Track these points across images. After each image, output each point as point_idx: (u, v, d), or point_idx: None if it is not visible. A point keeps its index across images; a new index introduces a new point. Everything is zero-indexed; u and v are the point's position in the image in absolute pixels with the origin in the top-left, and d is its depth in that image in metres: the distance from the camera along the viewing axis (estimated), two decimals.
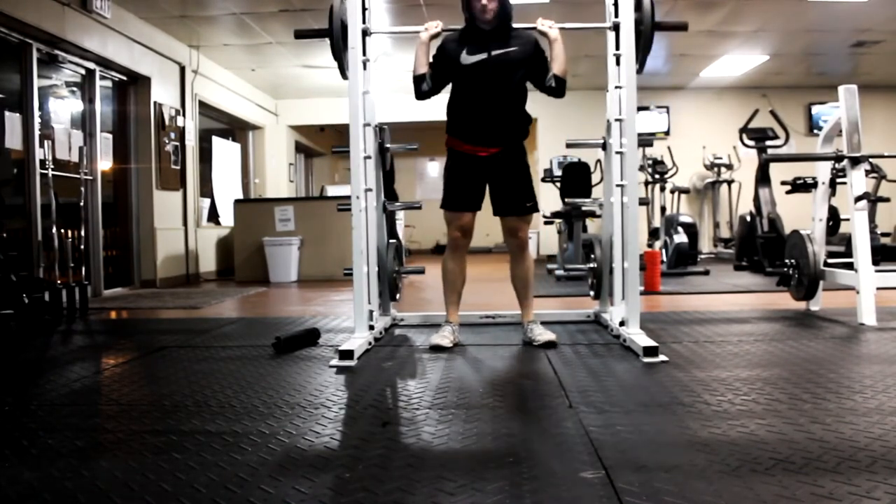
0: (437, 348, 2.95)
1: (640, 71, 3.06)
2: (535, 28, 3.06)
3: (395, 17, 6.35)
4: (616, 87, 3.12)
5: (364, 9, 3.11)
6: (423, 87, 3.06)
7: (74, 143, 5.40)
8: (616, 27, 3.02)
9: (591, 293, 3.77)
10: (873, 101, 8.16)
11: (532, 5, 5.85)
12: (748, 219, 6.70)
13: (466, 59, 2.99)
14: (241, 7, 5.95)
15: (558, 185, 6.44)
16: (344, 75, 3.06)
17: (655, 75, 8.48)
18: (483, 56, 2.97)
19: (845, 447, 1.58)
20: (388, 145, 3.45)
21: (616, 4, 3.02)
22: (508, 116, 3.04)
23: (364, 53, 3.10)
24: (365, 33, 3.11)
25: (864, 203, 3.50)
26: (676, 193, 7.85)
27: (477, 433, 1.78)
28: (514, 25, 3.04)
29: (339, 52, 3.04)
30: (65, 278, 4.60)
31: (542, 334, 3.01)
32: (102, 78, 5.90)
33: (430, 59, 3.08)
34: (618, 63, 3.07)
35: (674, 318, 3.80)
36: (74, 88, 5.69)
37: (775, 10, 6.26)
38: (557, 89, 3.04)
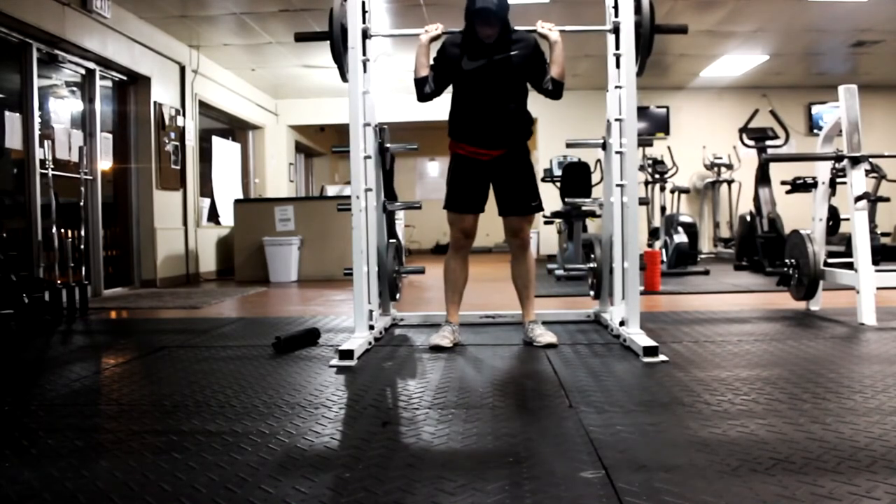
0: (437, 348, 2.95)
1: (640, 73, 3.06)
2: (535, 31, 3.07)
3: (395, 17, 6.35)
4: (616, 87, 3.12)
5: (364, 11, 3.10)
6: (426, 90, 3.08)
7: (74, 143, 5.40)
8: (616, 29, 3.02)
9: (591, 293, 3.77)
10: (873, 101, 8.16)
11: (532, 5, 5.86)
12: (748, 219, 6.70)
13: (468, 64, 3.01)
14: (241, 7, 5.95)
15: (558, 185, 6.44)
16: (344, 77, 3.06)
17: (655, 75, 8.48)
18: (484, 61, 2.99)
19: (845, 447, 1.58)
20: (388, 145, 3.45)
21: (616, 6, 3.02)
22: (511, 118, 3.05)
23: (364, 54, 3.10)
24: (365, 34, 3.10)
25: (864, 203, 3.50)
26: (676, 193, 7.85)
27: (477, 433, 1.78)
28: (515, 28, 3.05)
29: (340, 55, 3.04)
30: (65, 278, 4.60)
31: (543, 335, 3.01)
32: (102, 78, 5.90)
33: (431, 62, 3.10)
34: (618, 64, 3.07)
35: (674, 318, 3.80)
36: (74, 88, 5.69)
37: (775, 10, 6.26)
38: (554, 91, 3.06)
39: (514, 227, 3.13)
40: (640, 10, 2.98)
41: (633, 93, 2.98)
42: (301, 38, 3.22)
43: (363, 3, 3.10)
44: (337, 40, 3.01)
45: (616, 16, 3.01)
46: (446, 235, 3.18)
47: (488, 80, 3.00)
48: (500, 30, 2.96)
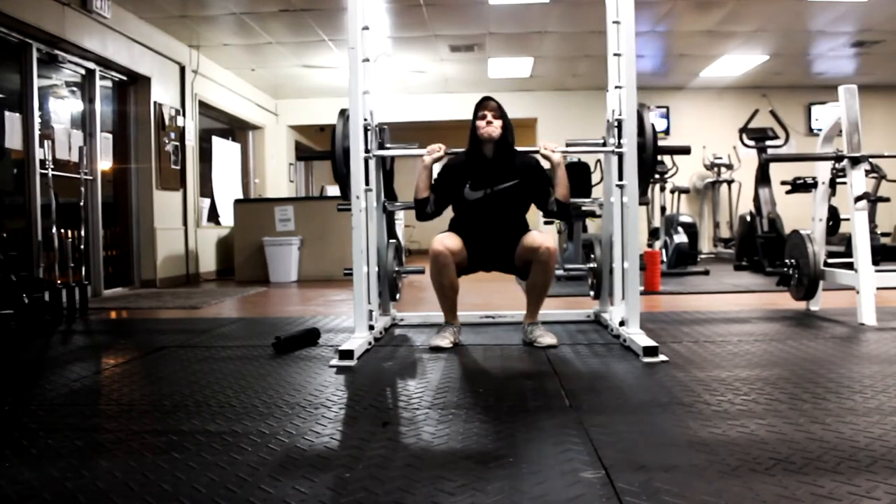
0: (437, 349, 2.95)
1: (642, 193, 3.11)
2: (537, 152, 3.12)
3: (395, 16, 6.35)
4: (616, 87, 3.11)
5: (366, 131, 3.09)
6: (427, 211, 3.16)
7: (74, 143, 5.40)
8: (620, 156, 3.02)
9: (591, 293, 3.77)
10: (873, 101, 8.16)
11: (532, 5, 5.86)
12: (748, 219, 6.70)
13: (470, 194, 3.08)
14: (241, 7, 5.95)
15: None
16: (346, 196, 3.09)
17: (655, 75, 8.49)
18: (486, 192, 3.05)
19: (845, 447, 1.58)
20: (388, 145, 3.45)
21: (619, 132, 3.01)
22: (508, 236, 3.11)
23: (366, 164, 3.10)
24: (367, 161, 3.09)
25: (864, 203, 3.50)
26: (676, 193, 7.85)
27: (477, 433, 1.78)
28: (518, 149, 3.12)
29: (342, 176, 3.09)
30: (65, 278, 4.60)
31: (543, 336, 3.00)
32: (102, 78, 5.90)
33: (433, 182, 3.17)
34: (620, 180, 3.05)
35: (674, 318, 3.80)
36: (74, 88, 5.69)
37: (775, 10, 6.26)
38: (559, 213, 3.12)
39: (529, 243, 2.99)
40: (644, 133, 3.00)
41: (633, 93, 2.97)
42: (302, 158, 3.32)
43: (365, 128, 3.08)
44: (339, 163, 3.08)
45: (619, 145, 3.01)
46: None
47: (489, 211, 3.07)
48: (501, 139, 3.00)
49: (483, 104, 3.07)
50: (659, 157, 7.68)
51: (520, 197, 3.11)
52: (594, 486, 1.39)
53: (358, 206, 2.98)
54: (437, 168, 3.19)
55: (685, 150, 3.34)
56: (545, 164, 3.14)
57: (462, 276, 3.13)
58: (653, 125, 3.06)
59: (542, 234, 3.08)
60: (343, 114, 3.13)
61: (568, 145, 3.45)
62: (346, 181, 3.05)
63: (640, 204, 3.06)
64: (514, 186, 3.07)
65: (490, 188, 3.05)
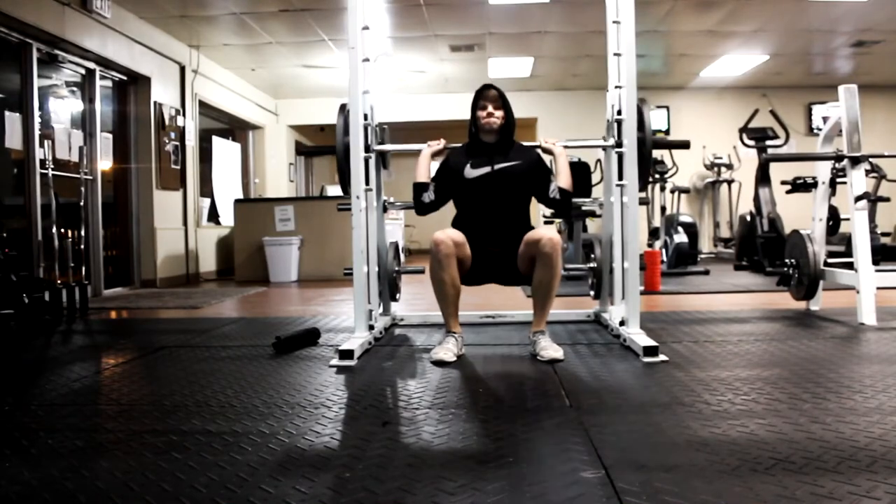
0: (440, 363, 2.71)
1: (642, 189, 3.10)
2: (539, 146, 3.11)
3: (395, 16, 6.35)
4: (616, 87, 3.12)
5: (366, 130, 3.10)
6: (425, 199, 3.06)
7: (74, 143, 5.41)
8: (620, 155, 3.04)
9: (591, 293, 3.77)
10: (873, 101, 8.16)
11: (532, 5, 5.86)
12: (748, 219, 6.71)
13: (470, 172, 3.00)
14: (241, 7, 5.95)
15: None
16: (346, 191, 3.10)
17: (655, 75, 8.49)
18: (487, 169, 2.98)
19: (845, 447, 1.58)
20: (388, 145, 3.45)
21: (619, 126, 3.02)
22: (511, 226, 3.00)
23: (367, 165, 3.11)
24: (367, 149, 3.10)
25: (864, 203, 3.50)
26: (676, 193, 7.85)
27: (477, 433, 1.78)
28: (519, 142, 3.09)
29: (344, 172, 3.10)
30: (65, 278, 4.60)
31: (548, 349, 2.77)
32: (102, 78, 5.90)
33: (433, 175, 3.12)
34: (620, 178, 3.06)
35: (674, 317, 3.80)
36: (74, 88, 5.69)
37: (775, 10, 6.26)
38: (562, 202, 3.01)
39: (531, 236, 2.84)
40: (644, 128, 3.01)
41: (633, 92, 2.97)
42: (303, 153, 3.34)
43: (366, 116, 3.10)
44: (341, 159, 3.09)
45: (619, 136, 3.05)
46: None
47: (491, 189, 2.98)
48: (503, 125, 2.99)
49: (483, 94, 3.00)
50: (659, 157, 7.72)
51: (522, 181, 3.00)
52: (594, 486, 1.39)
53: (358, 206, 2.98)
54: (434, 167, 3.15)
55: (685, 145, 3.35)
56: (546, 159, 3.12)
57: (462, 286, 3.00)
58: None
59: (538, 229, 2.98)
60: (343, 109, 3.12)
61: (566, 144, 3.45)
62: (347, 177, 3.05)
63: (640, 203, 3.06)
64: (516, 167, 2.99)
65: (491, 167, 2.98)
